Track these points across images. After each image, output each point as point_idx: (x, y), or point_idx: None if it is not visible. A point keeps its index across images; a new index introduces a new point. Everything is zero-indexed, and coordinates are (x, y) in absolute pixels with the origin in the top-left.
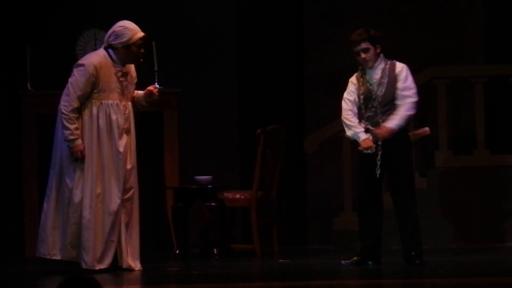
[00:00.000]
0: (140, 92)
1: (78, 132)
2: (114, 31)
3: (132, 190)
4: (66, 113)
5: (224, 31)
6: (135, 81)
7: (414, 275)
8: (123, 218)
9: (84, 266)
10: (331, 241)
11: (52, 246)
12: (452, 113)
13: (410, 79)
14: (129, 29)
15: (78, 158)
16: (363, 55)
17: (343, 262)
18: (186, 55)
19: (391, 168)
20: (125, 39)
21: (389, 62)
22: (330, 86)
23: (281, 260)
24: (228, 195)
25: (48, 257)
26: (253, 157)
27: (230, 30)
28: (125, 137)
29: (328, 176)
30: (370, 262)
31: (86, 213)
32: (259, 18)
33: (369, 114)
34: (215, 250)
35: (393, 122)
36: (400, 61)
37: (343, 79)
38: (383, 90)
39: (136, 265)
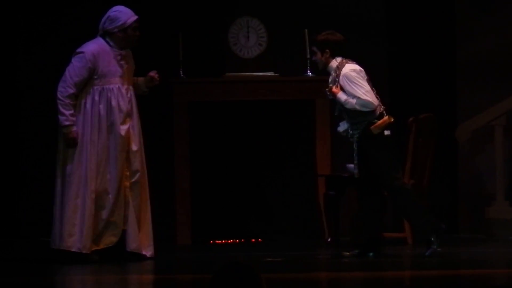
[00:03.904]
0: (141, 78)
1: (74, 118)
2: (108, 16)
3: (139, 174)
4: (62, 98)
5: (375, 19)
6: (134, 67)
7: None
8: (131, 201)
9: (74, 249)
10: (483, 230)
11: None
12: None
13: (350, 88)
14: (123, 13)
15: (70, 145)
16: (313, 57)
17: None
18: None
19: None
20: (120, 22)
21: (338, 70)
22: (483, 74)
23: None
24: None
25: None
26: (404, 146)
27: (381, 18)
28: (128, 121)
29: (480, 165)
30: (371, 254)
31: (81, 196)
32: (411, 5)
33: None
34: None
35: (344, 95)
36: None
37: (496, 67)
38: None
39: (147, 251)
